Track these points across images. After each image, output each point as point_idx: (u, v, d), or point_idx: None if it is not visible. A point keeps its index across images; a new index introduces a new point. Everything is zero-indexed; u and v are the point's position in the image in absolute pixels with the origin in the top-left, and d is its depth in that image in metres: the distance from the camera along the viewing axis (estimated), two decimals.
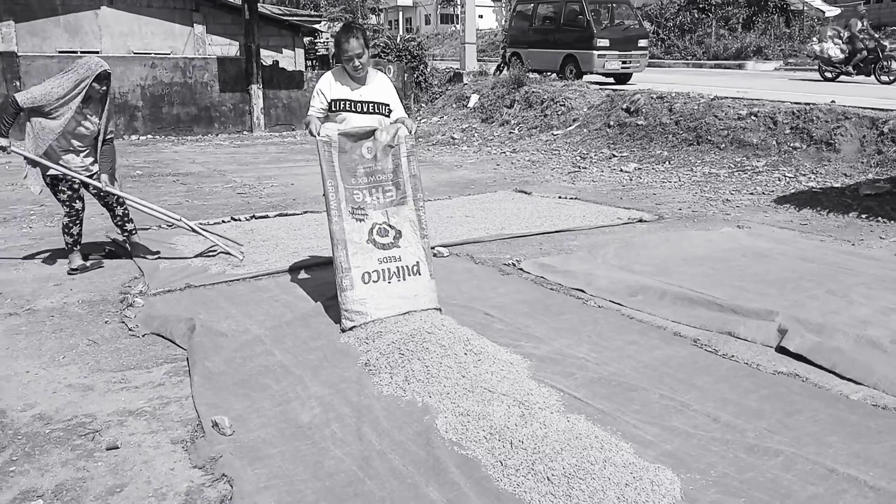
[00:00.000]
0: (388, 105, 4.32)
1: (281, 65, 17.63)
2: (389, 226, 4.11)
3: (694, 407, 3.04)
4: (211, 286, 4.78)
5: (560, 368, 3.43)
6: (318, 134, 4.05)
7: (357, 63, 4.17)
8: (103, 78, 4.99)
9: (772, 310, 4.04)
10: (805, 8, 27.36)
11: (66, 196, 5.06)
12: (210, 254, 5.48)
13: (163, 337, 3.94)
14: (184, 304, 4.41)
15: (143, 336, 3.97)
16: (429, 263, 4.15)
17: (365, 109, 4.27)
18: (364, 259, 4.00)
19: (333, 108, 4.25)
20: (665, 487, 2.40)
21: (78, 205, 5.10)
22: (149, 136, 15.06)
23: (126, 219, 5.40)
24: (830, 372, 3.40)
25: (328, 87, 4.27)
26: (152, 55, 16.27)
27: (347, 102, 4.25)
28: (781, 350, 3.66)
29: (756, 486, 2.45)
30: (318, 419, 2.99)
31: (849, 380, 3.31)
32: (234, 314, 4.25)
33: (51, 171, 5.00)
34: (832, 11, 27.74)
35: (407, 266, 4.08)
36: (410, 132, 4.17)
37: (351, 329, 3.86)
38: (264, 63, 16.21)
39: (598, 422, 2.87)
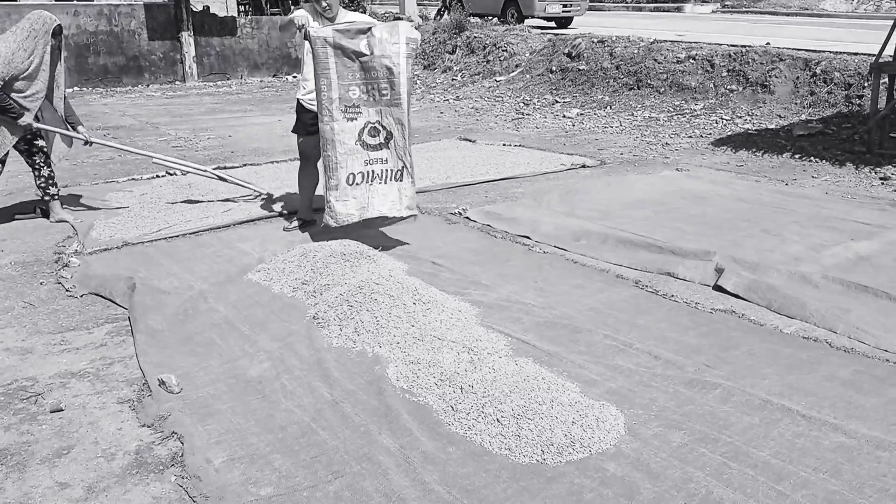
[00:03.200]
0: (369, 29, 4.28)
1: (212, 10, 16.91)
2: (382, 126, 4.27)
3: (636, 346, 3.14)
4: (150, 243, 4.65)
5: (508, 314, 3.49)
6: (309, 26, 4.17)
7: (326, 3, 4.33)
8: (57, 33, 4.86)
9: (709, 250, 4.17)
10: None
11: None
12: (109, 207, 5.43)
13: (102, 297, 3.84)
14: (122, 263, 4.29)
15: (82, 296, 3.85)
16: (411, 168, 4.40)
17: None
18: (352, 161, 4.22)
19: (306, 36, 4.25)
20: (609, 423, 2.49)
21: None
22: (75, 88, 14.34)
23: (51, 181, 5.12)
24: (767, 310, 3.55)
25: (304, 19, 4.28)
26: (74, 2, 15.39)
27: None
28: (718, 289, 3.79)
29: (695, 419, 2.56)
30: (268, 373, 2.98)
31: (783, 315, 3.46)
32: (176, 271, 4.16)
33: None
34: None
35: (391, 170, 4.34)
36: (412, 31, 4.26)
37: (333, 226, 4.28)
38: (194, 9, 15.51)
39: (545, 364, 2.94)
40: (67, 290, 3.93)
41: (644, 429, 2.51)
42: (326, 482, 2.27)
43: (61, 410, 2.74)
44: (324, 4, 4.36)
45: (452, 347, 3.03)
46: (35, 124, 4.84)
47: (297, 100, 4.71)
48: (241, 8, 20.14)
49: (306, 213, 4.96)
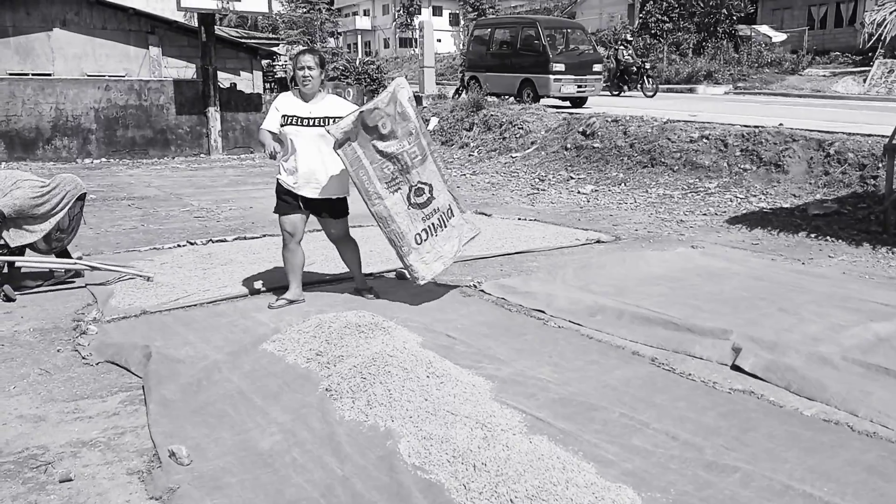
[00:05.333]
0: (338, 118, 4.44)
1: (239, 87, 17.53)
2: (422, 183, 4.66)
3: (653, 426, 3.08)
4: (167, 312, 4.69)
5: (522, 389, 3.45)
6: (275, 151, 4.48)
7: (307, 73, 4.46)
8: (82, 198, 5.44)
9: (726, 328, 4.14)
10: (753, 34, 28.36)
11: None
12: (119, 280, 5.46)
13: (118, 365, 3.86)
14: (139, 331, 4.32)
15: (97, 364, 3.88)
16: (457, 200, 4.93)
17: (311, 124, 4.50)
18: (412, 224, 4.64)
19: (283, 123, 4.53)
20: None
21: None
22: (103, 159, 14.79)
23: None
24: (787, 391, 3.49)
25: (281, 103, 4.59)
26: (106, 77, 16.03)
27: (294, 118, 4.51)
28: (736, 368, 3.74)
29: (715, 503, 2.49)
30: (279, 446, 2.96)
31: (803, 397, 3.40)
32: (192, 340, 4.18)
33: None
34: (779, 37, 28.82)
35: (443, 211, 4.78)
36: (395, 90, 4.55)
37: (419, 282, 4.74)
38: (222, 86, 16.09)
39: (560, 442, 2.90)
40: (84, 358, 3.96)
41: None
42: None
43: (70, 480, 2.72)
44: (305, 74, 4.48)
45: (466, 423, 3.00)
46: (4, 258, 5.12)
47: (277, 180, 4.73)
48: (267, 85, 20.85)
49: (295, 294, 4.84)
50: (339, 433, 3.03)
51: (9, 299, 5.03)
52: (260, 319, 4.55)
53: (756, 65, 25.78)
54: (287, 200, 4.68)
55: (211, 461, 2.83)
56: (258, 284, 5.29)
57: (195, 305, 4.83)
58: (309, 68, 4.48)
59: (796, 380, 3.48)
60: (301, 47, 26.78)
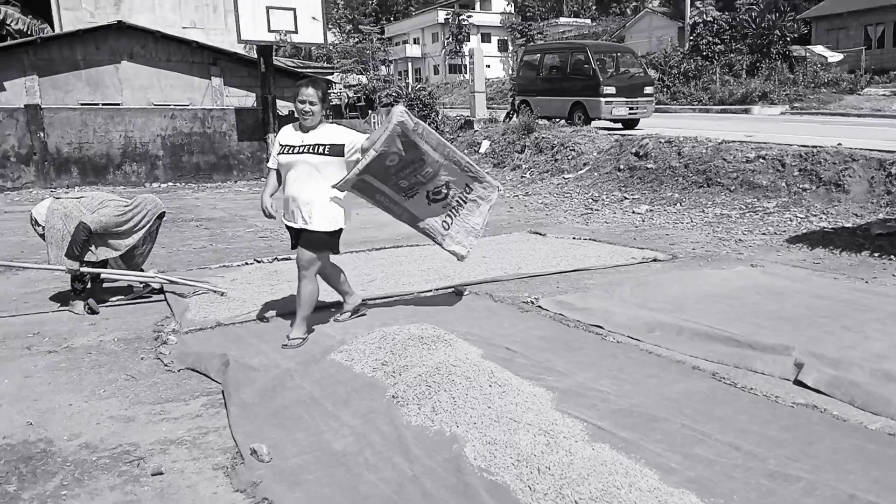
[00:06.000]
0: (328, 146, 4.45)
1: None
2: (439, 185, 4.96)
3: (715, 436, 3.13)
4: (240, 325, 4.93)
5: (583, 400, 3.54)
6: (270, 208, 4.58)
7: (308, 108, 4.44)
8: (161, 216, 5.80)
9: (788, 345, 4.15)
10: (808, 55, 27.91)
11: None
12: (199, 293, 5.75)
13: (197, 372, 4.09)
14: (215, 342, 4.56)
15: (179, 371, 4.12)
16: (476, 176, 5.08)
17: (300, 151, 4.46)
18: (435, 217, 5.06)
19: (281, 152, 4.53)
20: None
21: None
22: (169, 183, 15.44)
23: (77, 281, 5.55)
24: (851, 406, 3.49)
25: (282, 136, 4.61)
26: (172, 106, 16.77)
27: (288, 147, 4.51)
28: (799, 383, 3.75)
29: None
30: (351, 447, 3.11)
31: (867, 411, 3.40)
32: (264, 350, 4.40)
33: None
34: (835, 57, 28.28)
35: (460, 190, 5.05)
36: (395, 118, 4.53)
37: (464, 258, 5.27)
38: (280, 113, 16.66)
39: (622, 450, 2.97)
40: (166, 365, 4.21)
41: None
42: None
43: (161, 474, 2.93)
44: (306, 108, 4.44)
45: (528, 430, 3.10)
46: (81, 269, 5.36)
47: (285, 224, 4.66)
48: (322, 113, 21.43)
49: (303, 331, 4.60)
50: (406, 437, 3.17)
51: (93, 312, 5.36)
52: (326, 332, 4.74)
53: (812, 85, 25.36)
54: (292, 235, 4.67)
55: (289, 459, 3.01)
56: (322, 299, 5.49)
57: (266, 319, 5.06)
58: (311, 103, 4.43)
59: (860, 395, 3.49)
60: (354, 74, 27.39)
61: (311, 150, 4.45)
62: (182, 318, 5.05)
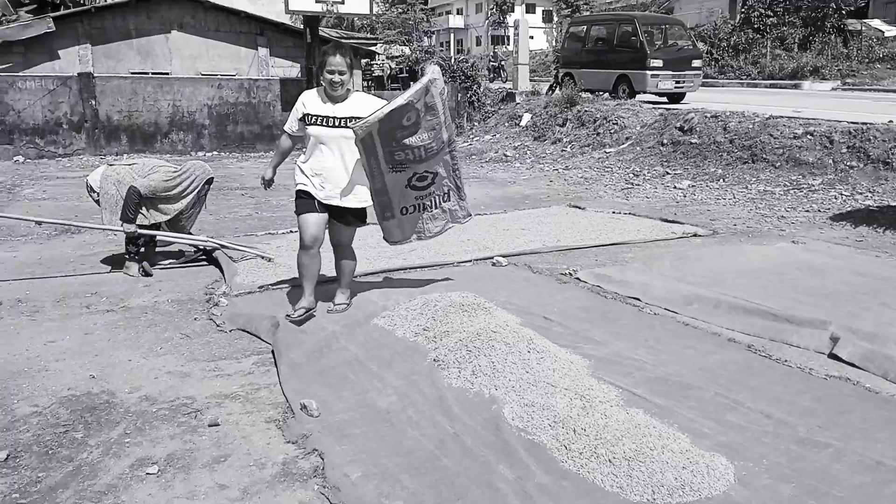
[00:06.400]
0: (361, 118, 4.15)
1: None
2: (429, 171, 4.55)
3: (748, 405, 3.21)
4: (287, 289, 5.12)
5: (618, 368, 3.64)
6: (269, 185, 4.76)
7: (337, 78, 4.14)
8: (209, 182, 5.99)
9: (825, 320, 4.17)
10: (864, 29, 26.96)
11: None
12: (247, 258, 5.95)
13: (248, 332, 4.29)
14: (264, 304, 4.76)
15: (230, 331, 4.33)
16: (461, 189, 4.80)
17: (334, 124, 4.21)
18: (404, 199, 4.58)
19: (306, 122, 4.26)
20: (720, 471, 2.60)
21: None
22: (214, 152, 15.75)
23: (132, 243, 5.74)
24: (884, 379, 3.52)
25: (306, 102, 4.30)
26: (219, 76, 17.04)
27: (318, 118, 4.23)
28: (834, 357, 3.79)
29: (806, 474, 2.62)
30: (395, 406, 3.27)
31: None
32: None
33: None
34: (892, 31, 27.25)
35: (440, 194, 4.71)
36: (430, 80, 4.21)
37: (394, 244, 4.84)
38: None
39: (655, 415, 3.07)
40: (218, 326, 4.43)
41: (754, 480, 2.60)
42: (450, 502, 2.50)
43: (217, 425, 3.13)
44: (335, 79, 4.15)
45: (565, 394, 3.22)
46: (140, 231, 5.59)
47: (296, 181, 4.44)
48: (365, 83, 21.53)
49: (310, 301, 4.43)
50: (447, 397, 3.32)
51: (147, 274, 5.61)
52: (370, 297, 4.89)
53: (867, 60, 24.54)
54: (307, 199, 4.36)
55: (336, 415, 3.18)
56: (366, 266, 5.66)
57: None
58: (340, 73, 4.14)
59: (894, 368, 3.52)
60: (397, 45, 27.39)
61: (344, 124, 4.19)
62: (232, 282, 5.27)
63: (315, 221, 4.34)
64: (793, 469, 2.66)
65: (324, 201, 4.32)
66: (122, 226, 5.51)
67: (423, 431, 3.02)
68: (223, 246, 5.93)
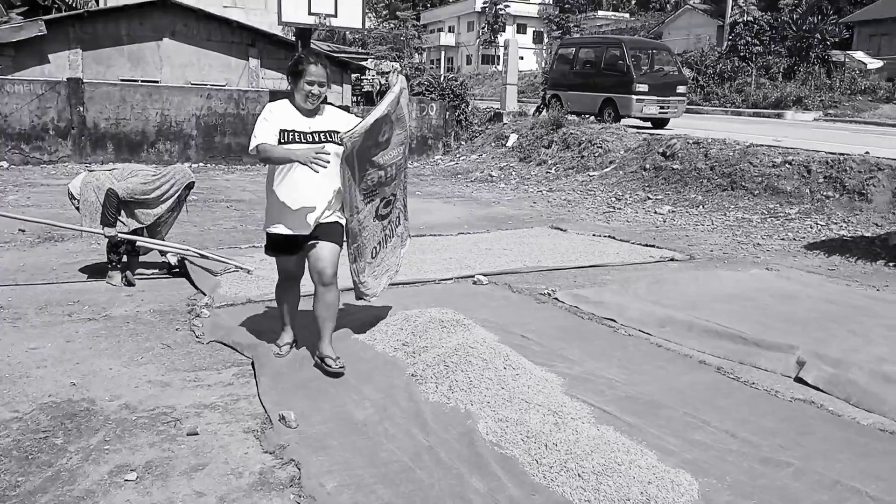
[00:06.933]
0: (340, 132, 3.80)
1: (329, 99, 18.32)
2: (393, 194, 4.18)
3: (714, 424, 3.32)
4: (269, 302, 5.17)
5: (591, 386, 3.73)
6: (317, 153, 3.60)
7: (316, 90, 3.76)
8: (189, 187, 5.96)
9: (793, 344, 4.30)
10: (847, 60, 27.56)
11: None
12: (225, 272, 5.97)
13: (227, 346, 4.34)
14: (246, 317, 4.81)
15: (208, 343, 4.37)
16: (405, 208, 4.46)
17: (315, 139, 3.80)
18: (373, 237, 4.18)
19: (281, 140, 3.73)
20: (684, 487, 2.69)
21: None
22: (201, 163, 15.77)
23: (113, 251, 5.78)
24: (846, 403, 3.65)
25: (276, 117, 3.78)
26: (208, 86, 17.11)
27: (297, 133, 3.77)
28: (799, 380, 3.92)
29: (767, 492, 2.72)
30: (372, 418, 3.34)
31: (862, 409, 3.55)
32: None
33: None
34: (875, 64, 27.90)
35: (394, 220, 4.33)
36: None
37: (368, 297, 4.36)
38: None
39: (625, 433, 3.16)
40: (198, 337, 4.47)
41: (717, 496, 2.69)
42: None
43: (196, 434, 3.18)
44: (314, 91, 3.76)
45: (539, 410, 3.31)
46: (120, 235, 5.61)
47: (267, 233, 4.03)
48: (354, 99, 21.66)
49: (292, 334, 4.25)
50: (424, 411, 3.39)
51: (130, 284, 5.65)
52: (348, 312, 4.96)
53: (849, 92, 25.08)
54: (280, 239, 3.95)
55: (314, 426, 3.25)
56: (347, 282, 5.72)
57: None
58: (320, 85, 3.77)
59: (857, 392, 3.64)
60: (387, 61, 27.57)
61: (327, 139, 3.81)
62: (214, 294, 5.32)
63: (293, 261, 4.04)
64: (755, 486, 2.76)
65: (301, 233, 3.85)
66: (102, 229, 5.52)
67: (399, 444, 3.10)
68: (202, 255, 5.96)
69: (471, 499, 2.65)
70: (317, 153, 3.55)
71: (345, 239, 4.07)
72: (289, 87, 3.89)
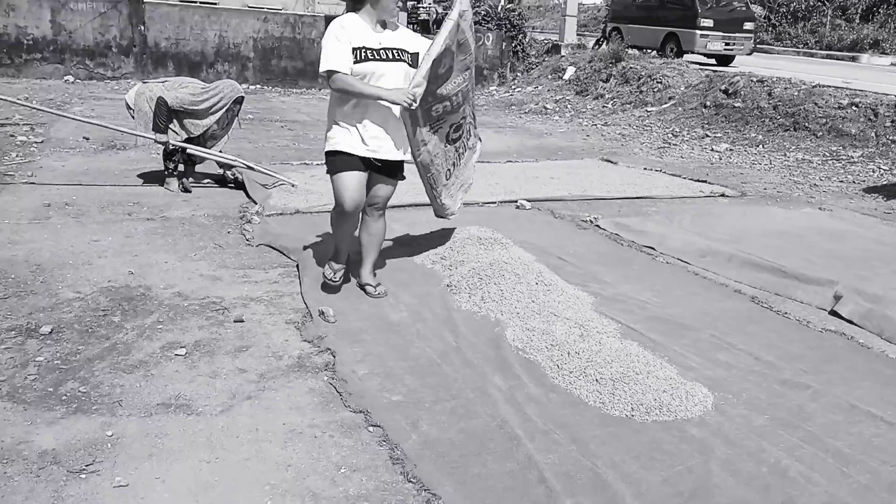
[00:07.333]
0: (411, 54, 3.56)
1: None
2: (463, 117, 4.05)
3: (739, 347, 3.37)
4: (317, 213, 5.35)
5: (622, 306, 3.81)
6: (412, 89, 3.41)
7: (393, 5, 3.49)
8: (239, 101, 6.00)
9: (832, 279, 4.26)
10: None
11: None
12: (274, 185, 6.09)
13: (275, 249, 4.54)
14: (293, 225, 5.00)
15: (258, 246, 4.58)
16: (475, 118, 4.36)
17: (387, 57, 3.49)
18: (445, 162, 4.07)
19: (357, 59, 3.43)
20: (698, 398, 2.78)
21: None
22: (258, 85, 15.95)
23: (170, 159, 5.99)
24: (878, 337, 3.64)
25: (348, 33, 3.43)
26: (265, 10, 17.12)
27: (368, 51, 3.44)
28: (834, 314, 3.91)
29: (782, 409, 2.79)
30: (406, 320, 3.50)
31: (894, 344, 3.55)
32: None
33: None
34: None
35: (466, 135, 4.19)
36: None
37: (448, 216, 4.40)
38: None
39: (648, 348, 3.24)
40: (248, 240, 4.68)
41: (730, 409, 2.78)
42: (445, 400, 2.73)
43: (242, 322, 3.40)
44: (391, 6, 3.50)
45: (566, 323, 3.41)
46: (171, 143, 5.76)
47: (334, 151, 3.60)
48: (410, 26, 21.39)
49: (344, 262, 3.90)
50: (455, 318, 3.53)
51: (186, 190, 5.88)
52: (392, 226, 5.09)
53: None
54: (345, 157, 3.56)
55: (351, 323, 3.42)
56: (392, 199, 5.84)
57: None
58: None
59: (890, 327, 3.62)
60: None
61: (398, 57, 3.51)
62: (265, 203, 5.51)
63: (357, 183, 3.58)
64: (770, 404, 2.83)
65: (368, 156, 3.58)
66: (154, 135, 5.73)
67: (429, 343, 3.25)
68: (249, 167, 6.11)
69: (490, 393, 2.79)
70: (411, 92, 3.37)
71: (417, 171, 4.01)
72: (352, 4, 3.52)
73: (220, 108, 5.92)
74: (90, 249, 4.30)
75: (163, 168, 6.02)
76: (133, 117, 5.93)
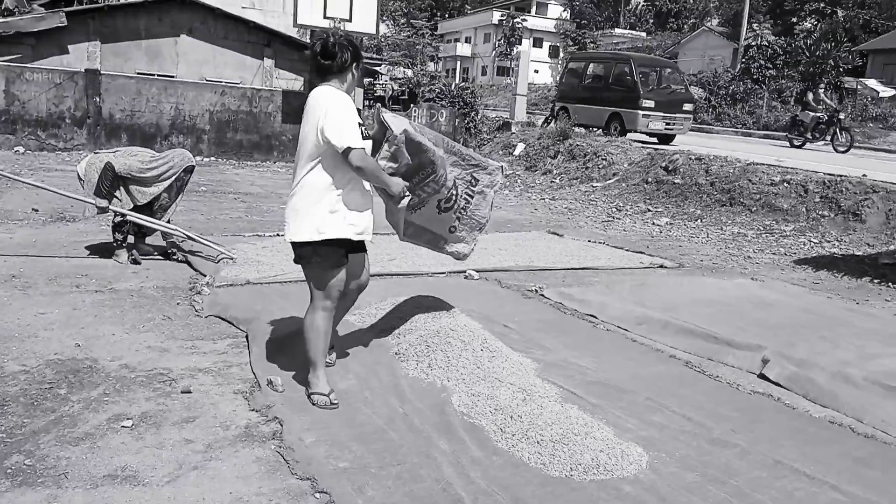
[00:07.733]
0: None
1: None
2: (448, 189, 3.99)
3: (673, 408, 3.53)
4: (267, 284, 5.43)
5: (563, 372, 3.96)
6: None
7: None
8: (189, 171, 6.06)
9: (761, 345, 4.51)
10: (860, 88, 27.71)
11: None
12: (220, 259, 6.05)
13: (224, 320, 4.59)
14: (244, 296, 5.06)
15: (207, 317, 4.62)
16: (479, 166, 4.19)
17: (366, 135, 3.51)
18: (441, 224, 4.13)
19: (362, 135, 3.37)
20: (633, 457, 2.91)
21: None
22: (212, 158, 16.09)
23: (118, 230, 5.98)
24: (803, 398, 3.85)
25: (354, 111, 3.33)
26: (223, 83, 17.45)
27: (362, 128, 3.37)
28: (763, 377, 4.12)
29: (711, 466, 2.94)
30: (354, 388, 3.58)
31: (817, 404, 3.76)
32: (286, 307, 4.87)
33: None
34: (887, 92, 28.03)
35: (464, 187, 4.11)
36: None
37: (467, 256, 4.32)
38: None
39: (587, 411, 3.38)
40: (197, 311, 4.72)
41: (663, 467, 2.91)
42: (391, 466, 2.80)
43: (189, 392, 3.42)
44: (356, 83, 3.49)
45: (509, 388, 3.53)
46: (111, 207, 5.77)
47: (338, 239, 3.37)
48: (366, 102, 22.01)
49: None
50: (402, 385, 3.63)
51: (136, 262, 5.90)
52: None
53: (860, 118, 25.21)
54: (339, 249, 3.41)
55: (298, 392, 3.48)
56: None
57: (291, 282, 5.54)
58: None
59: (814, 390, 3.85)
60: (401, 67, 27.98)
61: (367, 135, 3.53)
62: (216, 275, 5.57)
63: (346, 271, 3.53)
64: (700, 461, 2.97)
65: (361, 239, 3.51)
66: (94, 200, 5.69)
67: (376, 410, 3.33)
68: (189, 237, 6.08)
69: (435, 457, 2.87)
70: (403, 194, 3.44)
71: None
72: (337, 76, 3.39)
73: (170, 177, 5.94)
74: (37, 322, 4.29)
75: (111, 240, 6.04)
76: (83, 188, 5.96)
